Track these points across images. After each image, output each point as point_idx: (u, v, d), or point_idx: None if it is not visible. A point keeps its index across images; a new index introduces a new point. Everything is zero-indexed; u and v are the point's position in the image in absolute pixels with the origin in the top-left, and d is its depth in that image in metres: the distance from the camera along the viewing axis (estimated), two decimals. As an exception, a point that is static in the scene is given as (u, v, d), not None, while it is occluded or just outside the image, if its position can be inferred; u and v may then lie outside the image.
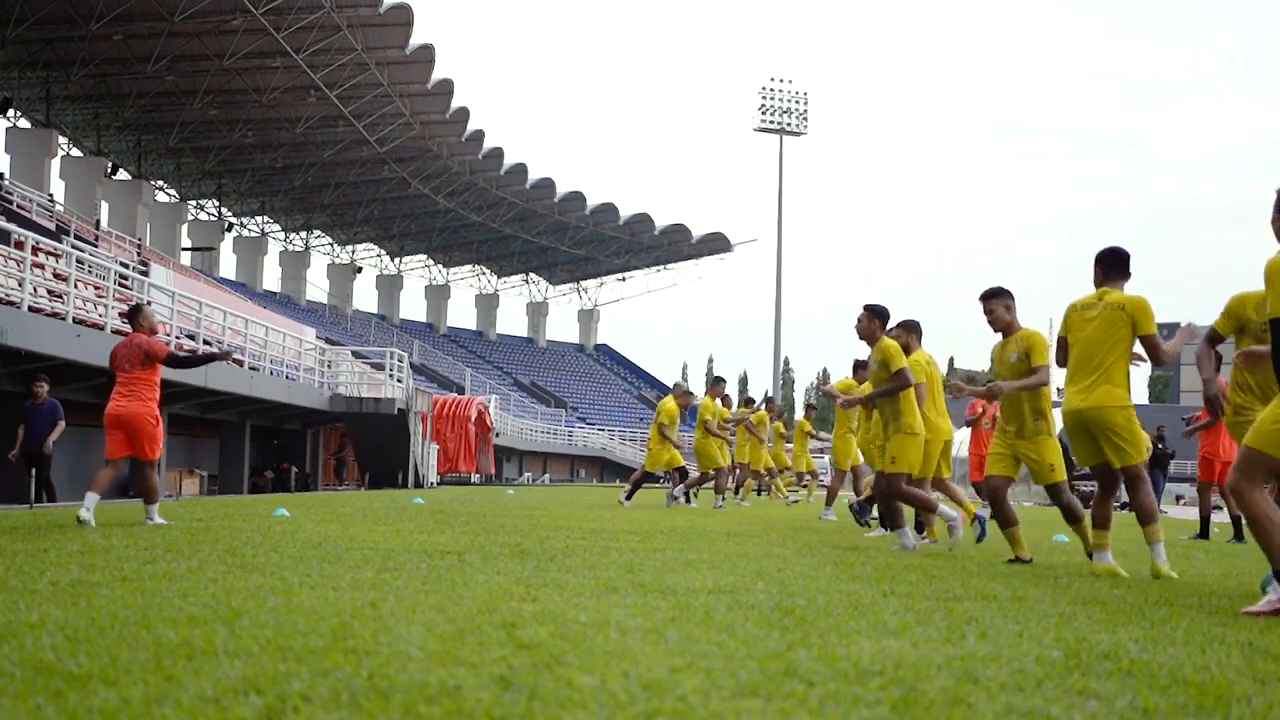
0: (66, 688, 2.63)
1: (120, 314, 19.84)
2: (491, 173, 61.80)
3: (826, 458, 20.18)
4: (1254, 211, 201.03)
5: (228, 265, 64.25)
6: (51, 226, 33.00)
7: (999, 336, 7.63)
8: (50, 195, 40.68)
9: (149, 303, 11.27)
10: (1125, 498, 23.13)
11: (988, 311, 7.58)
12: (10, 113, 43.19)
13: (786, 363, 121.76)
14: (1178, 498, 29.67)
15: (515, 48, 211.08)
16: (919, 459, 8.44)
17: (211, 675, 2.78)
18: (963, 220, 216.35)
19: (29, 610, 3.81)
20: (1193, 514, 22.75)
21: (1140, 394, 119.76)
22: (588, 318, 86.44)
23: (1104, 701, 2.77)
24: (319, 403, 27.48)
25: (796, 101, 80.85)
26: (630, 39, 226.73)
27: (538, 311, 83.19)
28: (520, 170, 62.88)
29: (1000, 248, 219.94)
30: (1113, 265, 6.69)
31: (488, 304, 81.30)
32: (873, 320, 8.70)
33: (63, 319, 16.82)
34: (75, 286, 17.89)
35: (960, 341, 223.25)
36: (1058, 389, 7.50)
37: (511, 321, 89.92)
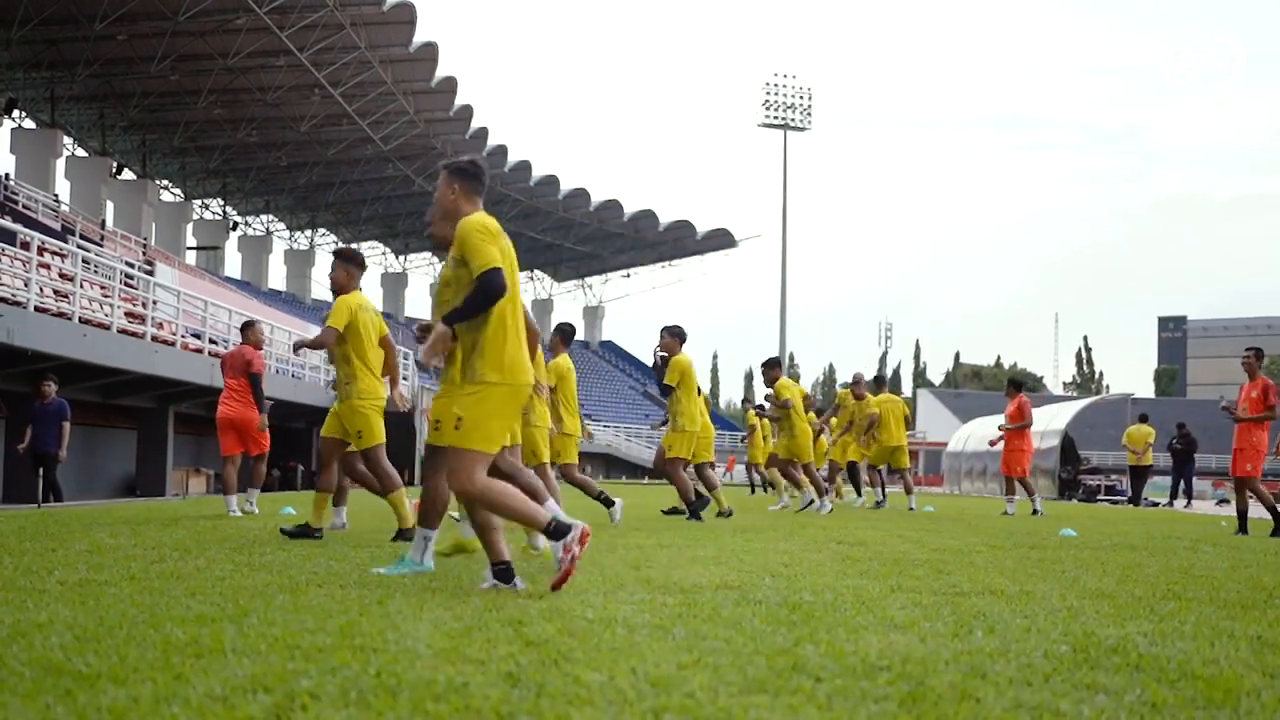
0: (75, 687, 2.63)
1: (122, 316, 19.90)
2: (495, 170, 61.79)
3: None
4: (1258, 205, 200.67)
5: (233, 264, 64.34)
6: (57, 226, 33.06)
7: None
8: (55, 195, 40.75)
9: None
10: (1131, 492, 22.87)
11: (330, 270, 7.87)
12: (15, 113, 43.27)
13: (792, 358, 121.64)
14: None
15: (518, 45, 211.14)
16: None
17: (220, 674, 2.78)
18: (967, 214, 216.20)
19: (38, 610, 3.82)
20: (1213, 510, 22.71)
21: (1147, 387, 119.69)
22: (592, 314, 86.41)
23: (1113, 696, 2.77)
24: (325, 401, 27.48)
25: (800, 97, 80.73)
26: (633, 36, 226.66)
27: (543, 308, 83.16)
28: (524, 168, 62.91)
29: (1004, 241, 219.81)
30: None
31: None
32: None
33: (69, 319, 16.85)
34: (81, 286, 17.91)
35: (964, 336, 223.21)
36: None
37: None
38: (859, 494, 16.76)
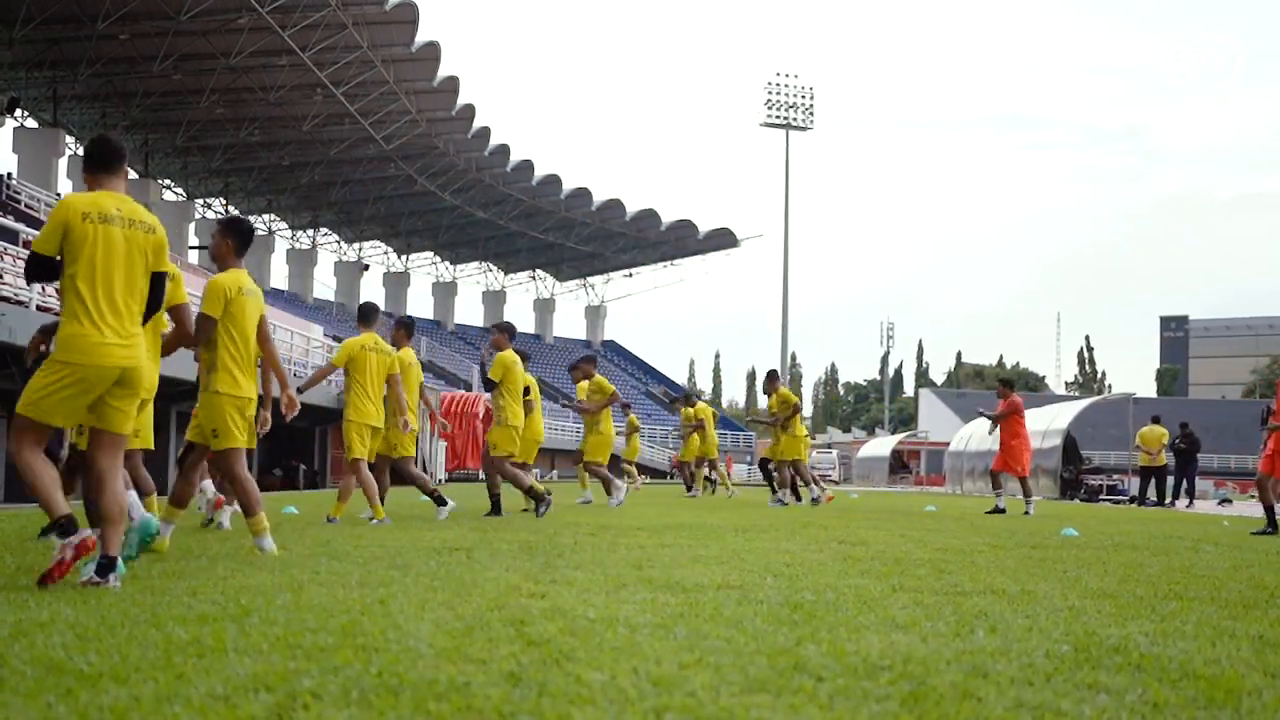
0: (77, 686, 2.63)
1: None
2: (498, 169, 61.80)
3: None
4: (1259, 204, 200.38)
5: (235, 263, 64.30)
6: (59, 226, 33.05)
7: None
8: (58, 195, 40.75)
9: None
10: (1134, 492, 22.86)
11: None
12: (17, 113, 43.28)
13: (794, 358, 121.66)
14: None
15: (521, 44, 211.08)
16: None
17: (221, 673, 2.78)
18: (968, 213, 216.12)
19: (39, 609, 3.83)
20: (1215, 510, 22.70)
21: (1149, 387, 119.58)
22: (595, 314, 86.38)
23: (1114, 695, 2.77)
24: (327, 400, 27.50)
25: (802, 96, 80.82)
26: (636, 35, 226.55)
27: (545, 308, 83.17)
28: (526, 167, 62.88)
29: (1005, 241, 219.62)
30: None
31: (494, 301, 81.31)
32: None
33: (71, 318, 16.83)
34: (83, 286, 17.90)
35: (966, 336, 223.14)
36: None
37: (518, 318, 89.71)
38: (776, 492, 16.64)
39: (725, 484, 21.46)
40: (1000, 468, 15.86)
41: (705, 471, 21.32)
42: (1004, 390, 16.26)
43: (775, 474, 16.50)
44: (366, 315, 10.06)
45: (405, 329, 10.78)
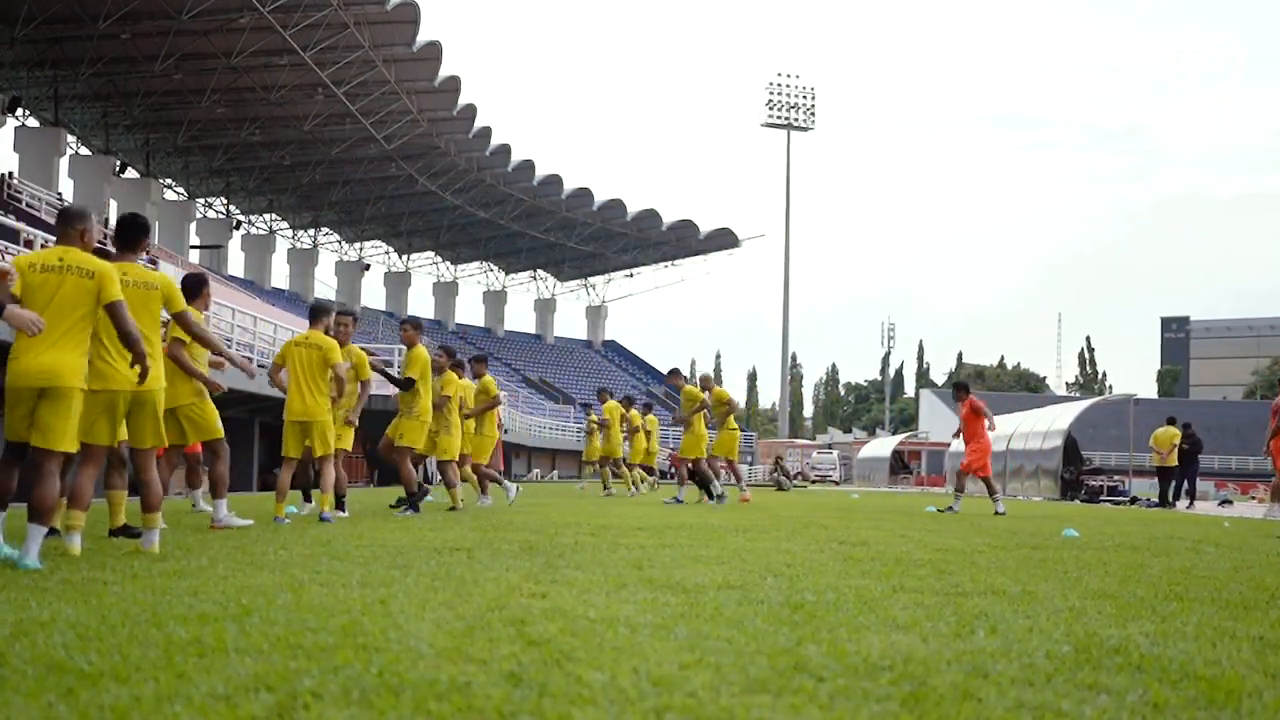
0: (78, 685, 2.63)
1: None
2: (499, 169, 61.82)
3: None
4: (1259, 204, 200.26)
5: (236, 263, 64.42)
6: (60, 225, 33.05)
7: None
8: (59, 194, 40.78)
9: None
10: (1135, 493, 22.91)
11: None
12: (19, 112, 43.31)
13: (794, 358, 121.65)
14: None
15: (522, 44, 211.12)
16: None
17: (222, 673, 2.79)
18: (969, 214, 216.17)
19: (40, 608, 3.83)
20: (1216, 511, 22.70)
21: (1149, 388, 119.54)
22: (595, 314, 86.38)
23: (1114, 696, 2.77)
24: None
25: (804, 96, 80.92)
26: (637, 35, 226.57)
27: (545, 308, 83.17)
28: (527, 167, 62.90)
29: (1006, 241, 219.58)
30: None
31: (495, 300, 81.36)
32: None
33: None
34: (84, 285, 17.89)
35: (966, 337, 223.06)
36: None
37: (519, 318, 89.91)
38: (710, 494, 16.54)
39: (629, 484, 21.21)
40: (987, 471, 15.70)
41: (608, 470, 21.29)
42: (961, 394, 16.01)
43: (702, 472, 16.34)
44: (311, 312, 9.95)
45: (354, 319, 10.75)
